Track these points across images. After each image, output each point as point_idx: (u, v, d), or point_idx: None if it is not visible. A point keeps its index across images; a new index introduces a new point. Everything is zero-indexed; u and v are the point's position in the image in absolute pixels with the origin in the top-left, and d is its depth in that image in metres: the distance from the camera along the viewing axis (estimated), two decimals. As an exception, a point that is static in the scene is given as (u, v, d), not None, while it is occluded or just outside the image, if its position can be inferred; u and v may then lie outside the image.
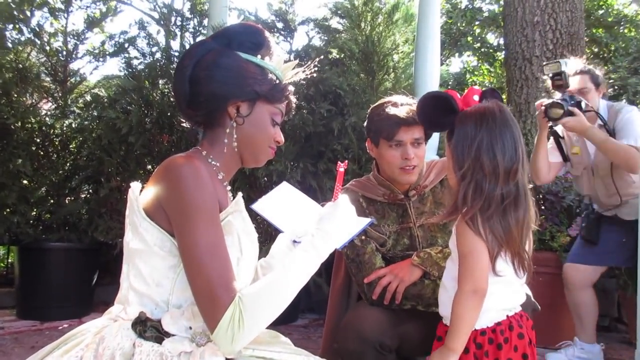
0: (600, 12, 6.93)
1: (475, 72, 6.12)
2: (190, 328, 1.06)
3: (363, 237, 1.78)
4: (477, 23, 5.95)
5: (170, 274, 1.08)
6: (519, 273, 1.30)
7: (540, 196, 3.19)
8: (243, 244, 1.14)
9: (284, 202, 1.41)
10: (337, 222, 1.21)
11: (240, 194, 1.31)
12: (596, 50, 7.04)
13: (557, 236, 3.05)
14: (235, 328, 0.98)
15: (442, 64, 6.41)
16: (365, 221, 1.32)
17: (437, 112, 1.35)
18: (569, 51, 4.73)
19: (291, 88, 1.25)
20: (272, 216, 1.34)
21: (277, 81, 1.20)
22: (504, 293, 1.30)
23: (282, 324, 3.39)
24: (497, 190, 1.23)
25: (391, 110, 1.74)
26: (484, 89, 1.41)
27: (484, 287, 1.24)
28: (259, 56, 1.18)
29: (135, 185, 1.13)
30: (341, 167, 1.36)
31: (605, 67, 6.63)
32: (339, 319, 1.82)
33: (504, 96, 5.78)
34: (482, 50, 6.00)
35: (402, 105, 1.75)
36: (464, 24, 5.82)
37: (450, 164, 1.32)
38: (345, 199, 1.29)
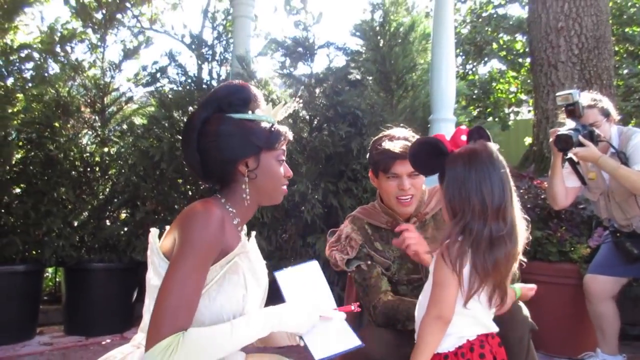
0: (633, 9, 6.76)
1: (501, 80, 6.08)
2: None
3: (369, 262, 1.89)
4: (501, 31, 5.93)
5: None
6: (492, 304, 1.38)
7: (562, 207, 3.19)
8: (248, 282, 1.26)
9: (304, 282, 1.44)
10: (307, 318, 1.29)
11: (253, 234, 1.45)
12: (631, 48, 6.86)
13: (577, 247, 3.04)
14: (166, 357, 1.06)
15: (467, 73, 6.40)
16: (354, 342, 1.37)
17: (428, 156, 1.43)
18: (595, 55, 4.67)
19: (285, 129, 1.35)
20: (286, 290, 1.38)
21: (272, 127, 1.31)
22: (465, 323, 1.38)
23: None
24: (486, 229, 1.30)
25: (387, 144, 1.83)
26: (471, 127, 1.49)
27: (448, 315, 1.33)
28: (250, 111, 1.30)
29: (154, 231, 1.29)
30: (353, 307, 1.45)
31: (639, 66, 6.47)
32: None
33: (531, 102, 5.75)
34: (508, 57, 5.96)
35: (398, 140, 1.84)
36: (488, 32, 5.80)
37: (442, 203, 1.41)
38: (341, 316, 1.38)
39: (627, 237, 2.59)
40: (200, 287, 1.16)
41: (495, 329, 1.44)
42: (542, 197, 3.27)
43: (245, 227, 1.41)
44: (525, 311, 1.76)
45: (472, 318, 1.38)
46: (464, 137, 1.43)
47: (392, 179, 1.83)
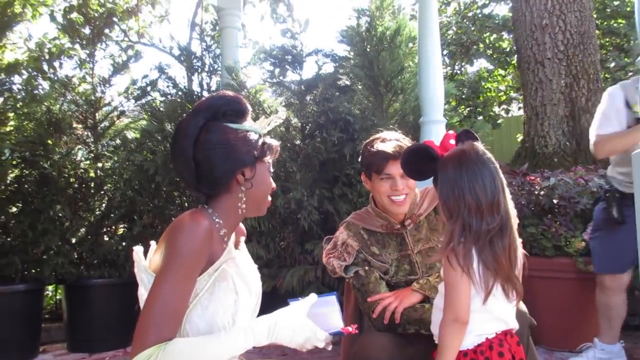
0: (616, 2, 6.84)
1: (489, 79, 6.14)
2: None
3: (367, 268, 1.92)
4: (487, 30, 5.99)
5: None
6: (510, 297, 1.40)
7: (555, 202, 3.23)
8: (238, 286, 1.27)
9: (319, 307, 1.43)
10: (293, 332, 1.26)
11: (242, 239, 1.47)
12: (617, 41, 6.93)
13: (571, 241, 3.08)
14: None
15: (456, 74, 6.45)
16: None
17: (420, 163, 1.47)
18: (581, 51, 4.74)
19: (275, 142, 1.39)
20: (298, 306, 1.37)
21: (263, 138, 1.34)
22: (484, 319, 1.41)
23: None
24: (484, 225, 1.34)
25: (380, 145, 1.87)
26: (458, 131, 1.53)
27: (464, 317, 1.36)
28: (245, 122, 1.32)
29: (137, 248, 1.29)
30: (351, 328, 1.45)
31: (626, 59, 6.55)
32: (352, 345, 1.95)
33: (520, 100, 5.81)
34: (495, 56, 6.02)
35: (390, 141, 1.88)
36: (474, 32, 5.86)
37: (440, 205, 1.44)
38: (328, 339, 1.36)
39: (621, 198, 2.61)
40: (186, 297, 1.17)
41: (515, 325, 1.47)
42: (536, 193, 3.31)
43: (233, 237, 1.41)
44: (523, 307, 1.78)
45: (490, 314, 1.41)
46: (452, 141, 1.48)
47: (385, 180, 1.86)
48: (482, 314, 1.39)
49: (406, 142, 1.91)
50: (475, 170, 1.37)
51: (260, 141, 1.33)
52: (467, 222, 1.35)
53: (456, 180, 1.37)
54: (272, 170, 1.39)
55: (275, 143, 1.39)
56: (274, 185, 1.39)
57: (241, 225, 1.49)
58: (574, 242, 3.08)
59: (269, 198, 1.40)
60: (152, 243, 1.35)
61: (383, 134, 1.96)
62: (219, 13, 3.96)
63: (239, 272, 1.29)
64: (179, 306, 1.14)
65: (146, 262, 1.27)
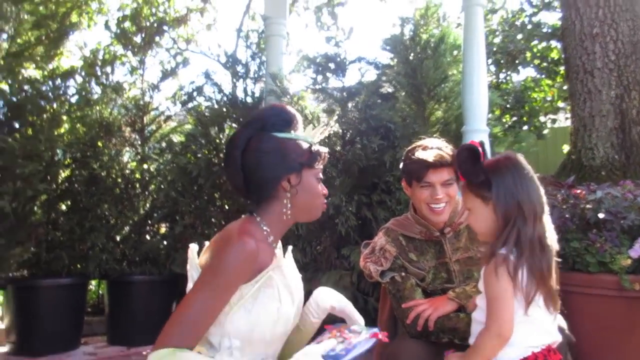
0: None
1: (536, 88, 6.00)
2: None
3: (403, 274, 1.91)
4: (535, 39, 5.87)
5: (222, 319, 1.25)
6: (550, 309, 1.38)
7: (601, 216, 3.12)
8: (282, 295, 1.31)
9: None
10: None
11: (290, 249, 1.51)
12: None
13: (616, 258, 2.97)
14: None
15: (501, 83, 6.34)
16: None
17: (472, 162, 1.43)
18: (633, 61, 4.57)
19: (323, 149, 1.42)
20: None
21: (311, 146, 1.38)
22: (529, 331, 1.37)
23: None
24: (535, 233, 1.34)
25: (421, 154, 1.86)
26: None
27: (508, 332, 1.33)
28: (292, 131, 1.36)
29: (193, 246, 1.35)
30: (381, 335, 1.42)
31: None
32: (385, 349, 1.94)
33: (568, 110, 5.64)
34: (542, 65, 5.89)
35: (432, 149, 1.86)
36: (521, 41, 5.75)
37: (481, 213, 1.41)
38: None
39: None
40: (216, 313, 1.22)
41: (559, 337, 1.44)
42: (581, 206, 3.21)
43: (280, 242, 1.45)
44: (562, 322, 1.73)
45: (535, 325, 1.38)
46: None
47: (425, 188, 1.85)
48: (527, 325, 1.36)
49: (448, 150, 1.89)
50: (529, 178, 1.38)
51: (308, 148, 1.36)
52: (521, 229, 1.34)
53: (516, 186, 1.36)
54: (321, 176, 1.42)
55: (323, 150, 1.42)
56: (325, 190, 1.42)
57: None
58: (620, 259, 2.96)
59: (323, 205, 1.43)
60: (207, 243, 1.38)
61: (425, 141, 1.95)
62: (265, 21, 4.04)
63: (284, 281, 1.33)
64: (206, 319, 1.20)
65: (198, 260, 1.32)
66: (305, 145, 1.36)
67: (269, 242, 1.36)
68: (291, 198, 1.35)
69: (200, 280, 1.22)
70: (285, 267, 1.37)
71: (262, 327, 1.26)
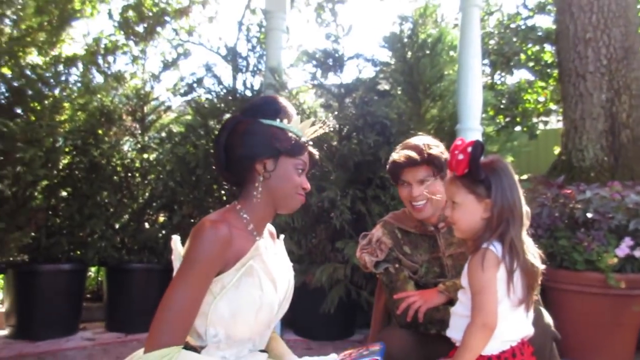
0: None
1: (529, 90, 6.10)
2: (225, 358, 1.32)
3: (397, 266, 1.97)
4: (530, 42, 5.95)
5: (205, 309, 1.28)
6: (529, 307, 1.45)
7: (589, 216, 3.22)
8: (263, 283, 1.32)
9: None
10: None
11: (282, 237, 1.56)
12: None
13: (603, 256, 3.06)
14: None
15: (495, 84, 6.43)
16: None
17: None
18: (624, 66, 4.68)
19: (310, 142, 1.46)
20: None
21: (297, 138, 1.41)
22: (509, 326, 1.43)
23: (339, 338, 3.62)
24: (521, 231, 1.43)
25: (394, 155, 1.94)
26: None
27: (493, 322, 1.37)
28: (279, 120, 1.40)
29: (175, 237, 1.39)
30: (377, 347, 1.46)
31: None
32: (376, 337, 2.01)
33: (560, 112, 5.75)
34: (537, 67, 5.98)
35: (406, 149, 1.91)
36: (517, 43, 5.84)
37: (470, 209, 1.45)
38: None
39: None
40: (198, 302, 1.24)
41: (532, 330, 1.50)
42: (570, 205, 3.30)
43: (267, 232, 1.49)
44: (548, 319, 1.79)
45: (517, 320, 1.45)
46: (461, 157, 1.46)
47: (403, 187, 1.93)
48: (510, 319, 1.42)
49: (437, 149, 1.90)
50: (515, 180, 1.45)
51: (292, 139, 1.39)
52: (510, 230, 1.40)
53: (510, 189, 1.43)
54: (302, 169, 1.43)
55: (312, 150, 1.46)
56: (306, 185, 1.44)
57: (271, 227, 1.57)
58: (606, 258, 3.06)
59: (300, 195, 1.43)
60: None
61: (411, 139, 1.99)
62: (266, 15, 4.08)
63: (265, 268, 1.34)
64: (190, 310, 1.22)
65: (182, 251, 1.35)
66: (290, 135, 1.39)
67: (249, 230, 1.38)
68: (264, 182, 1.37)
69: (178, 273, 1.24)
70: (266, 256, 1.37)
71: (245, 314, 1.29)
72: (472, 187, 1.45)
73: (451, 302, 1.83)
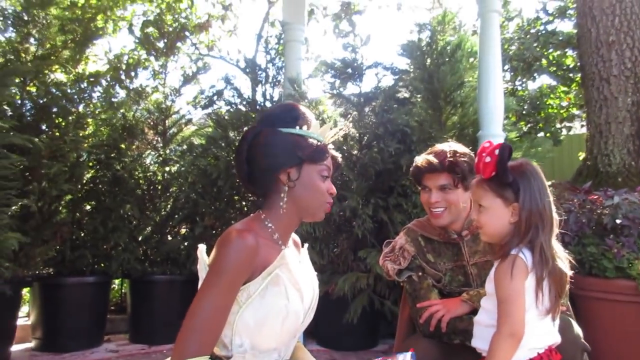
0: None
1: (552, 95, 6.01)
2: None
3: (421, 274, 1.94)
4: (551, 47, 5.88)
5: (231, 318, 1.27)
6: (555, 315, 1.41)
7: (618, 222, 3.14)
8: (289, 292, 1.31)
9: None
10: None
11: (306, 246, 1.54)
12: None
13: (634, 263, 2.97)
14: None
15: (516, 89, 6.36)
16: None
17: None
18: (650, 68, 4.58)
19: (331, 146, 1.44)
20: None
21: (318, 143, 1.38)
22: (537, 333, 1.39)
23: (362, 349, 3.58)
24: (551, 237, 1.39)
25: (417, 158, 1.92)
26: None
27: (520, 331, 1.33)
28: (298, 127, 1.37)
29: (201, 247, 1.37)
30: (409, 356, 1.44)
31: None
32: (401, 345, 1.98)
33: (584, 117, 5.65)
34: (559, 73, 5.90)
35: (430, 154, 1.89)
36: (537, 48, 5.78)
37: (498, 213, 1.42)
38: None
39: None
40: (225, 311, 1.23)
41: (559, 338, 1.46)
42: (598, 211, 3.22)
43: (291, 241, 1.47)
44: (577, 330, 1.74)
45: (544, 327, 1.41)
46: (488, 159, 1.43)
47: (424, 191, 1.91)
48: (537, 327, 1.39)
49: (459, 158, 1.86)
50: (548, 190, 1.41)
51: (314, 145, 1.37)
52: (539, 236, 1.37)
53: (540, 194, 1.39)
54: (326, 175, 1.40)
55: (334, 153, 1.44)
56: (332, 190, 1.41)
57: (296, 236, 1.54)
58: (637, 264, 2.97)
59: (326, 202, 1.41)
60: None
61: (439, 145, 1.97)
62: (284, 27, 4.12)
63: (291, 277, 1.33)
64: (218, 319, 1.21)
65: (207, 260, 1.34)
66: (311, 142, 1.36)
67: (274, 239, 1.37)
68: (289, 192, 1.35)
69: (205, 282, 1.23)
70: (292, 265, 1.36)
71: (270, 323, 1.28)
72: (499, 191, 1.41)
73: (475, 311, 1.78)
